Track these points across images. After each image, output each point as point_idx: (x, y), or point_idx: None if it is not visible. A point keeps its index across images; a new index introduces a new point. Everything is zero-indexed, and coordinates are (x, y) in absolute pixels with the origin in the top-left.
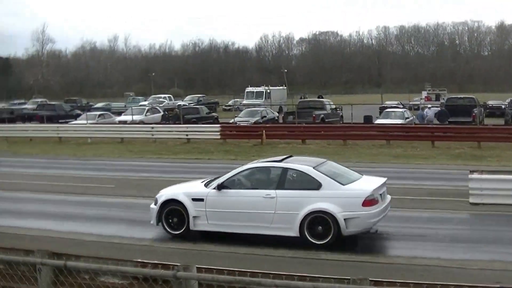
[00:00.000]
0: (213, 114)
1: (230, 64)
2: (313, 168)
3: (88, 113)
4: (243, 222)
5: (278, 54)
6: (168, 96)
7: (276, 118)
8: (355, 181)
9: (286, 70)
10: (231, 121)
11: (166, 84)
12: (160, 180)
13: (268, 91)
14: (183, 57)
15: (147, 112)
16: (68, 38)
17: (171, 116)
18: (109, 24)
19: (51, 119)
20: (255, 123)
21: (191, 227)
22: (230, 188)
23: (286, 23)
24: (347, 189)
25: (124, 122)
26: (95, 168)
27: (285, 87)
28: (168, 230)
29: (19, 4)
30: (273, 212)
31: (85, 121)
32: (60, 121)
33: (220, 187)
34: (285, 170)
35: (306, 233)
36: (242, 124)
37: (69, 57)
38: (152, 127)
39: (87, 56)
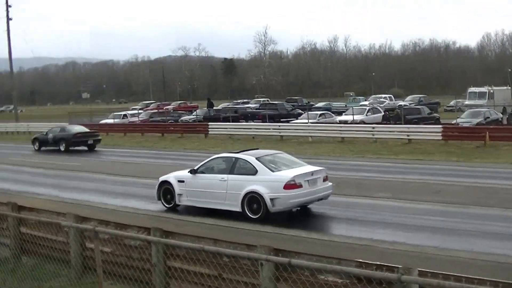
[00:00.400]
0: (435, 114)
1: (450, 63)
2: (255, 158)
3: (309, 113)
4: (208, 199)
5: (502, 53)
6: (389, 96)
7: (500, 119)
8: (288, 169)
9: (510, 70)
10: (453, 122)
11: (385, 84)
12: (380, 180)
13: (492, 91)
14: (402, 57)
15: (367, 112)
16: (289, 39)
17: (392, 116)
18: (329, 25)
19: (273, 118)
20: (478, 124)
21: (177, 202)
22: (201, 173)
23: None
24: (274, 175)
25: (345, 122)
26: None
27: (510, 87)
28: (164, 204)
29: (242, 9)
30: (225, 192)
31: (306, 120)
32: (281, 120)
33: (194, 172)
34: (236, 159)
35: (246, 209)
36: (464, 125)
37: (290, 57)
38: (373, 127)
39: (307, 57)
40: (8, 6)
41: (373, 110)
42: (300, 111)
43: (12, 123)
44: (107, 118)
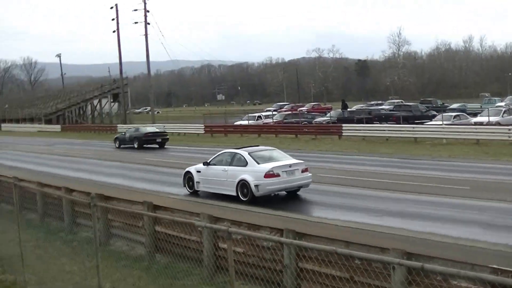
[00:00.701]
0: None
1: None
2: (248, 153)
3: (443, 114)
4: (215, 185)
5: None
6: None
7: None
8: (271, 162)
9: None
10: None
11: None
12: None
13: None
14: None
15: (503, 113)
16: (423, 40)
17: None
18: (464, 25)
19: (407, 120)
20: None
21: (196, 188)
22: (212, 165)
23: None
24: (259, 167)
25: (480, 124)
26: (449, 169)
27: None
28: (188, 189)
29: (376, 10)
30: (226, 180)
31: (440, 122)
32: (415, 121)
33: (207, 164)
34: (235, 154)
35: (239, 193)
36: None
37: (424, 58)
38: (509, 129)
39: (442, 57)
40: (146, 11)
41: (509, 111)
42: (434, 112)
43: (149, 124)
44: (242, 120)
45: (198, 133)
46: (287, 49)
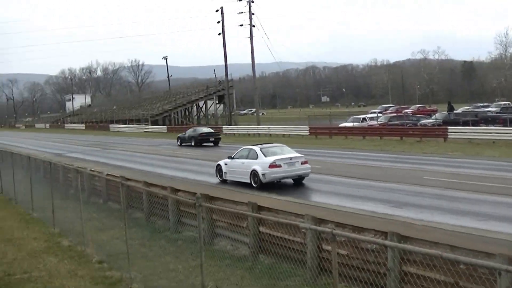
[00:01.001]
0: None
1: None
2: (259, 148)
3: None
4: (236, 175)
5: None
6: None
7: None
8: (276, 156)
9: None
10: None
11: None
12: None
13: None
14: None
15: None
16: None
17: None
18: None
19: None
20: None
21: (224, 178)
22: (234, 159)
23: None
24: (265, 159)
25: None
26: None
27: None
28: (219, 178)
29: (482, 11)
30: (243, 170)
31: None
32: None
33: (231, 158)
34: (250, 149)
35: (251, 180)
36: None
37: None
38: None
39: None
40: (251, 14)
41: None
42: None
43: (254, 126)
44: (346, 122)
45: (302, 135)
46: (392, 51)
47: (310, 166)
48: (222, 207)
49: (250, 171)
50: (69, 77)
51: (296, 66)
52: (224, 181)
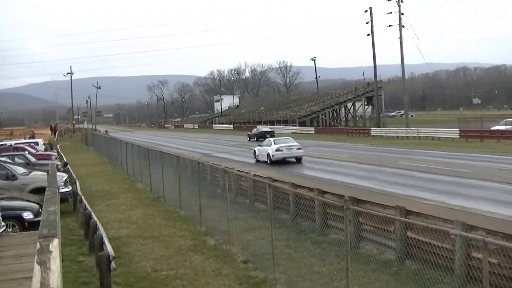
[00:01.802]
0: None
1: None
2: (272, 139)
3: None
4: (261, 157)
5: None
6: None
7: None
8: (282, 144)
9: None
10: None
11: None
12: None
13: None
14: None
15: None
16: None
17: None
18: None
19: None
20: None
21: (257, 159)
22: (261, 146)
23: None
24: (274, 146)
25: None
26: None
27: None
28: (255, 160)
29: None
30: (264, 153)
31: None
32: None
33: (260, 145)
34: (268, 140)
35: (266, 159)
36: None
37: None
38: None
39: None
40: (400, 14)
41: None
42: None
43: (402, 128)
44: (499, 124)
45: (452, 138)
46: None
47: (303, 151)
48: (370, 211)
49: (266, 153)
50: (218, 78)
51: (446, 67)
52: (257, 161)
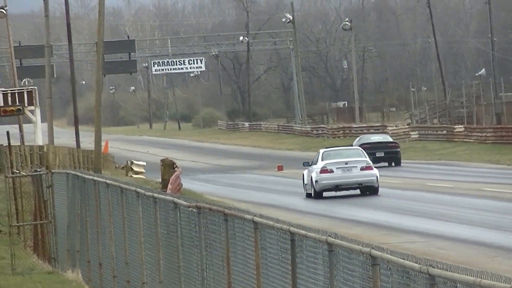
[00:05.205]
0: None
1: None
2: (323, 151)
3: None
4: (309, 187)
5: None
6: None
7: None
8: (333, 160)
9: None
10: None
11: None
12: None
13: None
14: None
15: None
16: None
17: None
18: None
19: None
20: None
21: (306, 191)
22: (311, 166)
23: None
24: (320, 163)
25: None
26: None
27: None
28: (305, 193)
29: None
30: (308, 180)
31: None
32: None
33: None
34: (318, 155)
35: (310, 190)
36: None
37: None
38: None
39: None
40: None
41: None
42: None
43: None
44: None
45: None
46: None
47: (376, 173)
48: None
49: (310, 179)
50: None
51: None
52: (308, 195)
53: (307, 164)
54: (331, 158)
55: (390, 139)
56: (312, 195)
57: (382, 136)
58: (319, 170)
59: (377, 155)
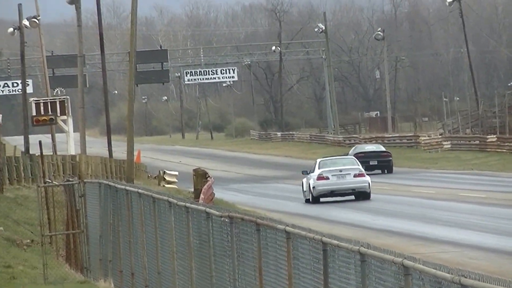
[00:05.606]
0: None
1: None
2: (320, 160)
3: None
4: (307, 193)
5: None
6: None
7: None
8: (328, 168)
9: None
10: None
11: None
12: None
13: None
14: None
15: None
16: None
17: None
18: None
19: None
20: None
21: (305, 197)
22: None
23: None
24: (317, 171)
25: None
26: None
27: None
28: (304, 198)
29: None
30: (306, 187)
31: None
32: None
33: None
34: (315, 164)
35: (309, 196)
36: None
37: None
38: None
39: None
40: None
41: None
42: None
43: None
44: None
45: None
46: None
47: (368, 179)
48: None
49: (308, 186)
50: None
51: None
52: (307, 201)
53: (306, 172)
54: (327, 167)
55: (383, 149)
56: (310, 200)
57: (375, 146)
58: (316, 177)
59: (370, 163)
